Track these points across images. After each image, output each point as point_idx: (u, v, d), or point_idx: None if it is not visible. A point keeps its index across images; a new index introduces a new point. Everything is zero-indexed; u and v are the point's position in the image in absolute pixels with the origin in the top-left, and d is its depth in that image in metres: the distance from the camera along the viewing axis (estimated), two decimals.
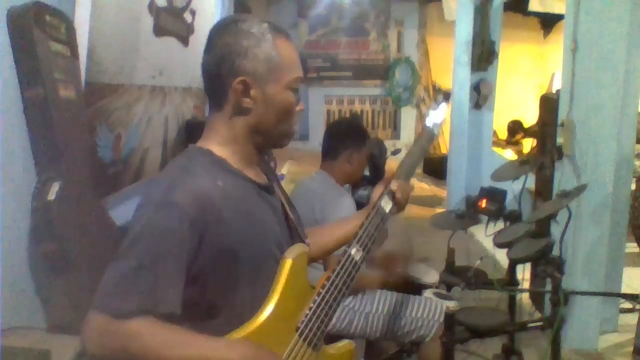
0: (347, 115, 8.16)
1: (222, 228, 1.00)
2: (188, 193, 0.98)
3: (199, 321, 1.02)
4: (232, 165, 1.09)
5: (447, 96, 1.65)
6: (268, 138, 1.12)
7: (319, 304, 1.07)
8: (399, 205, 1.25)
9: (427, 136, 1.36)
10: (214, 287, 1.02)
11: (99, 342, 0.91)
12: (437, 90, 1.71)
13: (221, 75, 1.06)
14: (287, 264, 1.07)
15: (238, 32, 1.06)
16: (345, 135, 2.31)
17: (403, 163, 1.30)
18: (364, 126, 2.56)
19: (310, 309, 1.07)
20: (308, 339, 1.05)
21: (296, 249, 1.10)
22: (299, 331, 1.05)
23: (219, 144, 1.10)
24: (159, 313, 0.92)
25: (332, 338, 2.13)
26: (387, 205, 1.22)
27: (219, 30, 1.08)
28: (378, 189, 1.27)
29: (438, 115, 1.36)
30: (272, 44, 1.06)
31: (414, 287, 2.42)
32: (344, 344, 1.19)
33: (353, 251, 1.13)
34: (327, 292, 1.08)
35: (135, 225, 0.97)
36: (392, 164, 5.13)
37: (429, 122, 1.36)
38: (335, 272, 1.10)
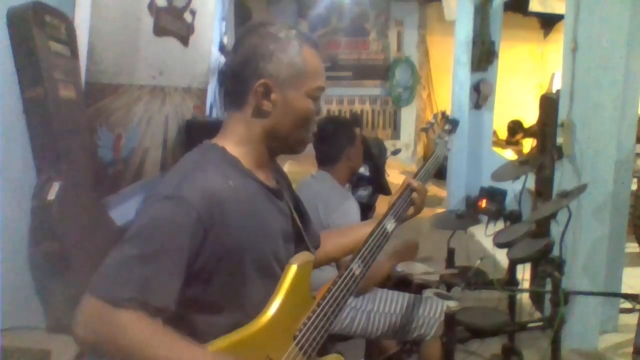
0: (347, 115, 8.17)
1: (228, 227, 1.00)
2: (198, 189, 0.98)
3: (200, 317, 1.03)
4: (245, 165, 1.09)
5: (454, 125, 1.71)
6: (283, 143, 1.13)
7: (318, 315, 1.07)
8: (417, 207, 1.33)
9: (435, 163, 1.47)
10: (216, 285, 1.02)
11: (90, 327, 0.90)
12: (446, 118, 1.72)
13: (244, 75, 1.07)
14: (292, 270, 1.07)
15: (265, 35, 1.07)
16: (336, 136, 2.29)
17: (418, 175, 1.39)
18: (346, 118, 2.58)
19: (309, 318, 1.07)
20: (304, 349, 1.05)
21: (302, 257, 1.10)
22: (296, 340, 1.04)
23: (234, 143, 1.10)
24: (151, 305, 0.91)
25: (334, 337, 2.15)
26: (390, 224, 1.24)
27: (248, 32, 1.09)
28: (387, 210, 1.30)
29: (446, 148, 1.52)
30: (297, 50, 1.07)
31: (414, 287, 2.42)
32: (333, 357, 1.19)
33: (355, 267, 1.14)
34: (326, 304, 1.08)
35: (143, 214, 0.97)
36: (392, 163, 5.14)
37: (439, 151, 1.50)
38: (337, 285, 1.11)
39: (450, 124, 1.59)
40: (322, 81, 1.12)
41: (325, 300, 1.08)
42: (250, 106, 1.08)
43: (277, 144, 1.12)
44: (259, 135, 1.10)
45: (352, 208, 2.15)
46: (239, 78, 1.08)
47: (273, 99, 1.07)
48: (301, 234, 1.21)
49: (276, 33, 1.07)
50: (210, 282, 1.01)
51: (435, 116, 1.60)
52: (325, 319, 1.08)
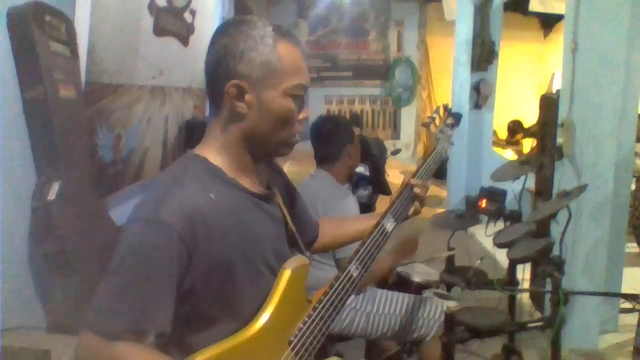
0: (347, 115, 8.18)
1: (213, 243, 0.97)
2: (177, 209, 0.94)
3: (195, 332, 1.01)
4: (228, 174, 1.05)
5: (457, 118, 1.66)
6: (265, 146, 1.07)
7: (314, 319, 1.05)
8: (418, 205, 1.32)
9: (437, 159, 1.44)
10: (208, 300, 1.00)
11: None
12: (449, 111, 1.70)
13: (217, 78, 1.02)
14: (286, 275, 1.04)
15: (237, 33, 1.02)
16: (336, 135, 2.29)
17: (418, 173, 1.37)
18: (344, 117, 2.59)
19: (304, 323, 1.04)
20: (300, 354, 1.03)
21: (296, 261, 1.07)
22: (292, 345, 1.02)
23: (215, 150, 1.06)
24: (149, 332, 0.91)
25: (334, 338, 2.15)
26: (390, 224, 1.21)
27: (220, 31, 1.04)
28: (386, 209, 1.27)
29: (449, 142, 1.47)
30: (272, 48, 1.01)
31: (414, 287, 2.42)
32: None
33: (352, 268, 1.11)
34: (323, 308, 1.06)
35: (124, 241, 0.95)
36: (392, 163, 5.14)
37: (440, 146, 1.45)
38: (333, 288, 1.08)
39: (453, 117, 1.53)
40: (303, 78, 1.06)
41: (322, 304, 1.06)
42: (225, 110, 1.04)
43: (258, 148, 1.07)
44: (238, 140, 1.05)
45: (351, 205, 2.15)
46: (213, 80, 1.04)
47: (247, 100, 1.02)
48: (294, 235, 1.18)
49: (248, 31, 1.01)
50: (202, 297, 0.99)
51: (437, 110, 1.53)
52: (322, 322, 1.06)
